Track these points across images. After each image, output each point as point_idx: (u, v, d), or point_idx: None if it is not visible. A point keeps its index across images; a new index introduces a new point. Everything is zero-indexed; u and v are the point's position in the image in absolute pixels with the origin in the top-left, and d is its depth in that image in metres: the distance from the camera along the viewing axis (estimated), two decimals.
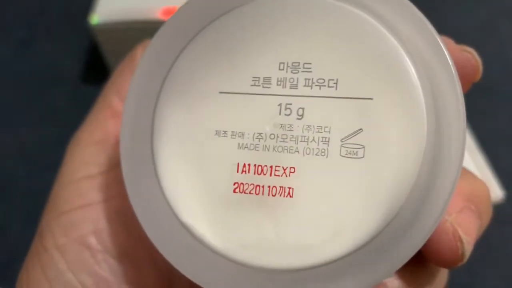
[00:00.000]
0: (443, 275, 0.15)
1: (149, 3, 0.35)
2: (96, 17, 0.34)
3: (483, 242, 0.29)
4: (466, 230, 0.13)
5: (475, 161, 0.28)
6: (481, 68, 0.14)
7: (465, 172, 0.14)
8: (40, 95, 0.39)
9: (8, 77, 0.40)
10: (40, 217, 0.34)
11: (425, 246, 0.13)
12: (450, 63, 0.12)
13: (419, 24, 0.12)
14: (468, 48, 0.14)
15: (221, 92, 0.13)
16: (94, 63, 0.40)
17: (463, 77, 0.12)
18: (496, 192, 0.27)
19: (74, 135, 0.17)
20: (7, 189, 0.36)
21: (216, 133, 0.13)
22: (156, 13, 0.34)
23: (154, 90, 0.13)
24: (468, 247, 0.13)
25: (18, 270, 0.33)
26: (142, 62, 0.13)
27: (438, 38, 0.12)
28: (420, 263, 0.14)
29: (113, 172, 0.15)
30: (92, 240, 0.15)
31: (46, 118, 0.38)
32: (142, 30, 0.34)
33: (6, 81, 0.40)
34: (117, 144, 0.16)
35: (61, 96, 0.39)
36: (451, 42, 0.14)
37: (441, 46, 0.12)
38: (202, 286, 0.12)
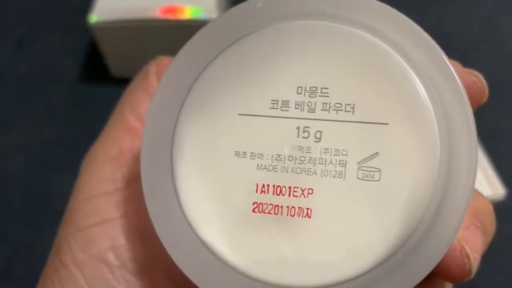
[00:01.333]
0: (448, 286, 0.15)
1: (148, 2, 0.35)
2: (95, 16, 0.34)
3: None
4: (472, 246, 0.13)
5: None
6: (487, 90, 0.15)
7: None
8: (38, 94, 0.39)
9: (6, 77, 0.40)
10: (39, 217, 0.35)
11: None
12: (461, 88, 0.12)
13: (430, 50, 0.12)
14: (475, 72, 0.15)
15: (240, 114, 0.13)
16: (93, 62, 0.40)
17: (470, 99, 0.13)
18: (499, 190, 0.27)
19: (89, 150, 0.17)
20: (6, 189, 0.35)
21: (236, 154, 0.13)
22: (155, 12, 0.34)
23: (174, 110, 0.13)
24: (475, 263, 0.13)
25: (17, 272, 0.33)
26: (163, 81, 0.14)
27: (449, 64, 0.12)
28: (427, 278, 0.14)
29: (129, 188, 0.16)
30: (110, 256, 0.15)
31: (44, 118, 0.38)
32: (141, 29, 0.35)
33: (4, 80, 0.40)
34: (132, 160, 0.16)
35: (59, 95, 0.39)
36: (458, 65, 0.15)
37: (452, 72, 0.12)
38: None
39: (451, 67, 0.12)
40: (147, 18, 0.34)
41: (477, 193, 0.15)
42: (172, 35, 0.34)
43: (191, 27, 0.33)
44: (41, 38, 0.42)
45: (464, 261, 0.13)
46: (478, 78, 0.15)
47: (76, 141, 0.36)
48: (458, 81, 0.12)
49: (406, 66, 0.12)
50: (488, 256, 0.29)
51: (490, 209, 0.15)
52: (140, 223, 0.15)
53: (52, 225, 0.34)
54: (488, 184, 0.27)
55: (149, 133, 0.14)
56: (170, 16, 0.34)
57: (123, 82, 0.38)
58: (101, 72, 0.39)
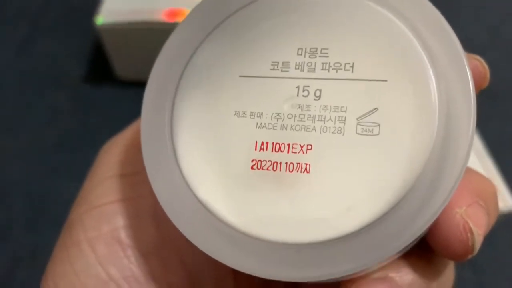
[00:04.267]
0: (450, 271, 0.15)
1: (154, 5, 0.35)
2: (102, 18, 0.34)
3: (494, 249, 0.29)
4: (476, 222, 0.13)
5: (485, 168, 0.27)
6: (488, 75, 0.15)
7: (473, 171, 0.15)
8: (41, 95, 0.39)
9: (8, 76, 0.40)
10: (40, 222, 0.34)
11: (435, 238, 0.13)
12: (465, 62, 0.12)
13: (438, 24, 0.13)
14: (477, 56, 0.15)
15: (241, 76, 0.13)
16: (97, 63, 0.40)
17: None
18: (508, 202, 0.26)
19: (92, 153, 0.17)
20: (7, 193, 0.35)
21: (235, 114, 0.13)
22: (161, 15, 0.34)
23: (175, 76, 0.14)
24: (478, 239, 0.13)
25: (20, 276, 0.32)
26: (164, 49, 0.14)
27: (456, 40, 0.13)
28: (428, 257, 0.14)
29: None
30: (123, 235, 0.15)
31: (47, 120, 0.38)
32: (147, 31, 0.35)
33: (6, 80, 0.40)
34: None
35: (63, 97, 0.38)
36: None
37: (457, 49, 0.13)
38: (219, 260, 0.13)
39: (457, 44, 0.13)
40: (154, 21, 0.34)
41: (481, 175, 0.15)
42: None
43: None
44: (44, 38, 0.41)
45: (467, 236, 0.13)
46: (479, 62, 0.15)
47: (80, 144, 0.36)
48: (462, 55, 0.12)
49: (409, 34, 0.12)
50: (498, 263, 0.29)
51: (494, 191, 0.15)
52: (155, 205, 0.15)
53: (54, 230, 0.34)
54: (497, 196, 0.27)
55: (150, 98, 0.14)
56: (176, 19, 0.34)
57: (128, 84, 0.38)
58: (106, 74, 0.38)
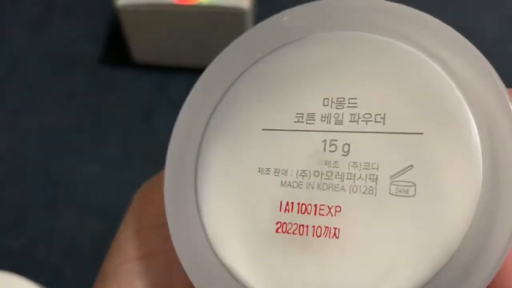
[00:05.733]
0: None
1: None
2: None
3: None
4: None
5: None
6: None
7: None
8: (57, 78, 0.38)
9: (23, 59, 0.39)
10: (59, 203, 0.35)
11: None
12: (509, 103, 0.11)
13: (480, 66, 0.12)
14: None
15: (264, 130, 0.13)
16: (114, 46, 0.39)
17: None
18: None
19: (143, 183, 0.17)
20: (25, 174, 0.35)
21: (259, 171, 0.12)
22: None
23: (198, 130, 0.13)
24: None
25: (38, 257, 0.33)
26: (187, 102, 0.14)
27: (499, 82, 0.12)
28: None
29: None
30: None
31: (64, 103, 0.37)
32: (165, 13, 0.35)
33: (21, 63, 0.39)
34: None
35: (79, 79, 0.38)
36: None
37: (498, 87, 0.11)
38: None
39: (501, 85, 0.11)
40: (173, 3, 0.34)
41: None
42: (197, 22, 0.34)
43: (217, 14, 0.34)
44: (59, 19, 0.41)
45: None
46: None
47: (96, 126, 0.37)
48: (505, 93, 0.11)
49: (446, 77, 0.12)
50: None
51: None
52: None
53: (72, 210, 0.35)
54: None
55: (173, 153, 0.14)
56: (197, 1, 0.33)
57: (145, 67, 0.38)
58: (123, 57, 0.38)
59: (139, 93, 0.37)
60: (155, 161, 0.17)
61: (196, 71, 0.15)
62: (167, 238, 0.15)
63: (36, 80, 0.38)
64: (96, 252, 0.18)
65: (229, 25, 0.34)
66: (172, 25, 0.35)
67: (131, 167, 0.35)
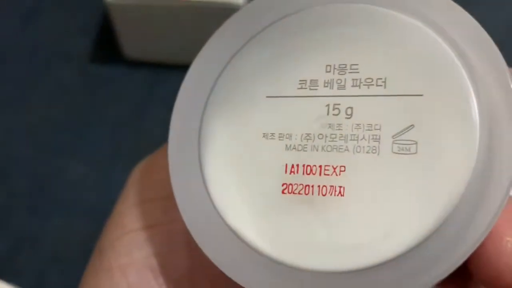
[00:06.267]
0: None
1: None
2: None
3: None
4: None
5: None
6: None
7: None
8: (46, 73, 0.37)
9: (12, 50, 0.38)
10: (44, 204, 0.34)
11: (482, 268, 0.12)
12: (507, 76, 0.12)
13: (474, 32, 0.12)
14: None
15: (268, 97, 0.13)
16: (105, 41, 0.38)
17: None
18: None
19: (136, 164, 0.17)
20: (10, 173, 0.34)
21: (264, 136, 0.13)
22: None
23: (201, 99, 0.14)
24: None
25: (20, 262, 0.32)
26: (190, 71, 0.14)
27: (495, 50, 0.12)
28: (466, 286, 0.14)
29: None
30: (155, 262, 0.15)
31: (52, 99, 0.37)
32: (158, 10, 0.34)
33: (9, 57, 0.38)
34: None
35: (69, 75, 0.37)
36: None
37: (495, 54, 0.12)
38: None
39: (497, 53, 0.12)
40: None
41: None
42: (189, 18, 0.34)
43: (210, 9, 0.33)
44: (50, 12, 0.40)
45: None
46: None
47: (86, 124, 0.36)
48: (503, 64, 0.12)
49: (446, 46, 0.12)
50: None
51: None
52: (187, 231, 0.15)
53: (58, 211, 0.34)
54: None
55: (176, 122, 0.14)
56: None
57: (136, 64, 0.38)
58: (114, 53, 0.37)
59: (130, 90, 0.36)
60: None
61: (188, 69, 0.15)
62: (166, 210, 0.15)
63: (23, 74, 0.37)
64: (83, 256, 0.17)
65: (223, 22, 0.34)
66: (164, 21, 0.35)
67: (121, 167, 0.33)
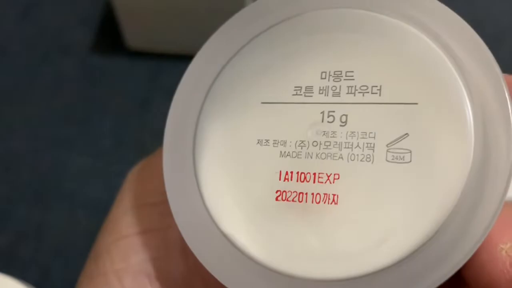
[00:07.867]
0: None
1: None
2: None
3: None
4: None
5: None
6: None
7: None
8: (47, 65, 0.37)
9: (11, 44, 0.38)
10: (46, 196, 0.34)
11: (476, 276, 0.12)
12: (501, 79, 0.12)
13: (470, 39, 0.12)
14: None
15: (263, 103, 0.13)
16: (107, 31, 0.38)
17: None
18: None
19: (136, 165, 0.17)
20: (12, 166, 0.34)
21: (258, 142, 0.13)
22: None
23: (196, 104, 0.14)
24: None
25: (24, 253, 0.32)
26: (185, 76, 0.14)
27: (490, 56, 0.12)
28: None
29: None
30: (151, 267, 0.15)
31: (53, 90, 0.36)
32: (161, 1, 0.33)
33: (9, 48, 0.38)
34: None
35: (70, 66, 0.37)
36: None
37: (491, 62, 0.12)
38: None
39: (492, 60, 0.12)
40: None
41: None
42: (193, 6, 0.34)
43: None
44: (50, 2, 0.39)
45: None
46: None
47: (87, 116, 0.35)
48: (498, 71, 0.12)
49: (439, 50, 0.12)
50: None
51: None
52: (182, 236, 0.15)
53: (61, 204, 0.34)
54: None
55: (171, 126, 0.14)
56: None
57: (139, 55, 0.37)
58: (116, 43, 0.37)
59: (133, 82, 0.36)
60: (149, 153, 0.17)
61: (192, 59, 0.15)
62: (163, 215, 0.15)
63: (23, 66, 0.37)
64: (86, 249, 0.17)
65: (228, 10, 0.33)
66: (168, 10, 0.34)
67: (123, 159, 0.33)
